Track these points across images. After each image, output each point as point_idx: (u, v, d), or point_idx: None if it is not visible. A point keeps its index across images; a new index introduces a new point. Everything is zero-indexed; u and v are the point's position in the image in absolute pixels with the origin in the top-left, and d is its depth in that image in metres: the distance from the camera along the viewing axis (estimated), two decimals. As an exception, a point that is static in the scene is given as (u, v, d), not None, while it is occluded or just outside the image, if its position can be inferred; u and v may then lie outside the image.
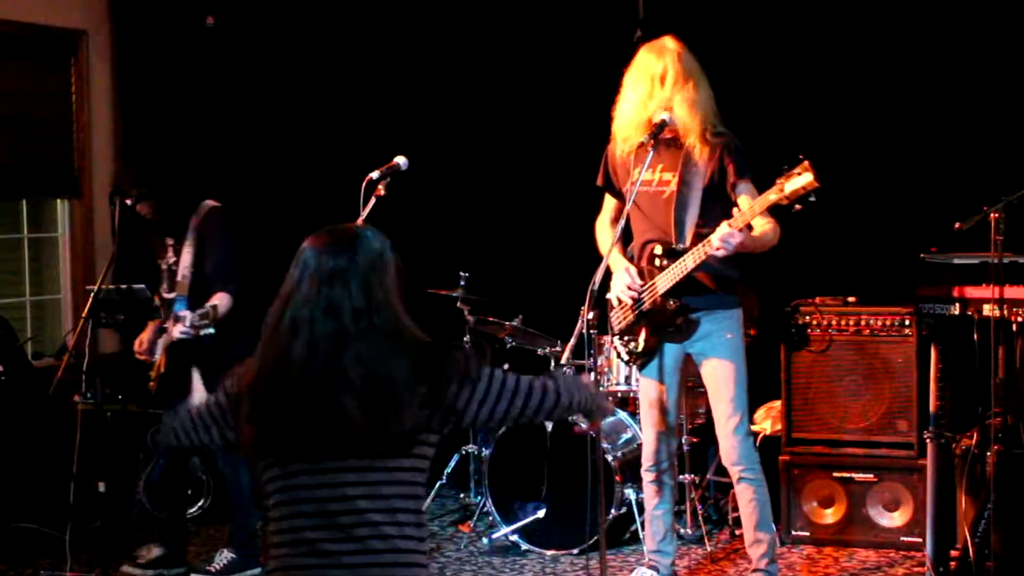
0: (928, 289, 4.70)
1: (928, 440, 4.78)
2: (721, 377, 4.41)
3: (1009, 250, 4.13)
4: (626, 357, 4.55)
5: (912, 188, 5.70)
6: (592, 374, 4.48)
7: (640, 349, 4.46)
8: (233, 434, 2.62)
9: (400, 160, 4.29)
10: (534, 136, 6.67)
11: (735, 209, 4.20)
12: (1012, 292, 4.37)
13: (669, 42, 4.38)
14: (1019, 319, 4.46)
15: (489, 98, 6.68)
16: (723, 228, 4.12)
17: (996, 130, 5.66)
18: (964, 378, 4.66)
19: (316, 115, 6.64)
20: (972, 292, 4.57)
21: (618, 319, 4.53)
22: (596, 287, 3.99)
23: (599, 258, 4.03)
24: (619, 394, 5.76)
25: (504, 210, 6.71)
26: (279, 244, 6.36)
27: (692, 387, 5.24)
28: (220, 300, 4.71)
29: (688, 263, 4.25)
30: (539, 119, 6.63)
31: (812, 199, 3.96)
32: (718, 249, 4.12)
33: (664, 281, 4.33)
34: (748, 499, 4.45)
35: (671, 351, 4.47)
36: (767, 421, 5.58)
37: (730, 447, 4.42)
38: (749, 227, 4.19)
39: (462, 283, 5.85)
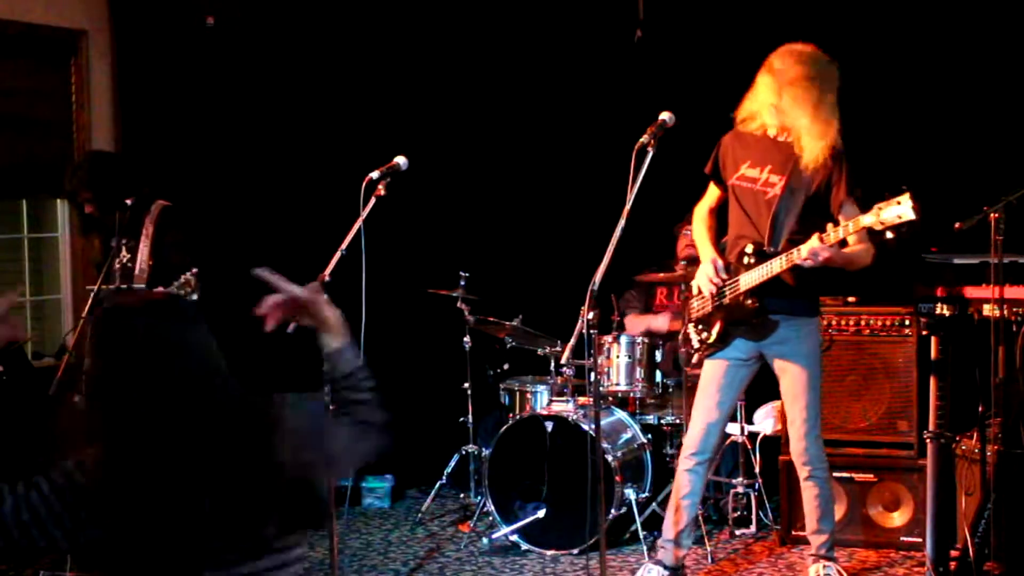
0: (928, 289, 4.70)
1: (928, 440, 4.78)
2: (800, 384, 4.51)
3: (1009, 250, 4.13)
4: (697, 345, 4.64)
5: (912, 188, 5.69)
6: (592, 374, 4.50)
7: (712, 340, 4.56)
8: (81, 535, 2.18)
9: (400, 160, 4.29)
10: (534, 136, 6.67)
11: (829, 224, 4.24)
12: (1012, 292, 4.38)
13: (805, 48, 4.39)
14: (1019, 319, 4.47)
15: (489, 98, 6.68)
16: (814, 241, 4.19)
17: (996, 130, 5.66)
18: (964, 378, 4.66)
19: (316, 115, 6.63)
20: (972, 292, 4.58)
21: (698, 307, 4.63)
22: (596, 287, 3.99)
23: (599, 257, 4.02)
24: (619, 394, 5.77)
25: (504, 211, 6.71)
26: (278, 244, 6.41)
27: (691, 387, 5.23)
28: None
29: (775, 267, 4.33)
30: (539, 119, 6.63)
31: (904, 231, 4.02)
32: (805, 260, 4.21)
33: (748, 280, 4.42)
34: (814, 495, 4.60)
35: (744, 346, 4.55)
36: (767, 421, 5.59)
37: (802, 449, 4.56)
38: (841, 244, 4.25)
39: (462, 283, 5.85)
